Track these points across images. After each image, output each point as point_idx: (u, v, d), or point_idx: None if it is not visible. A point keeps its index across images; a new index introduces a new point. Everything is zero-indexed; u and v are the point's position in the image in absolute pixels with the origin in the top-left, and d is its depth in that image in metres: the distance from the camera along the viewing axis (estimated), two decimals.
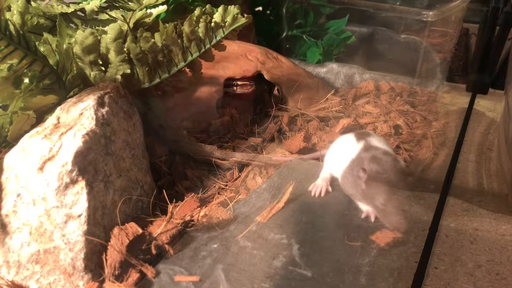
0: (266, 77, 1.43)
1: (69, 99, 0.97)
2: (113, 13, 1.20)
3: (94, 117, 0.89)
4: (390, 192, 0.86)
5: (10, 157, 0.87)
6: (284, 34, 1.78)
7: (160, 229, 0.89)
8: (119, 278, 0.80)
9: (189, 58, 1.14)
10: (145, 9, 1.17)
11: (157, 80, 1.12)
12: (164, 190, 1.00)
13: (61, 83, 1.03)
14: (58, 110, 0.94)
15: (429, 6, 1.62)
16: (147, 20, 1.18)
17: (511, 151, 1.11)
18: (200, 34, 1.12)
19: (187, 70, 1.17)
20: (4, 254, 0.83)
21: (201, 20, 1.11)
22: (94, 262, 0.82)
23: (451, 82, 1.77)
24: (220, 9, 1.11)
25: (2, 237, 0.83)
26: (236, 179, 1.14)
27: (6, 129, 1.02)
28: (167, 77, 1.13)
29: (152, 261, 0.84)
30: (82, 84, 1.06)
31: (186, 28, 1.10)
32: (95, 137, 0.87)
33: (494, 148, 1.33)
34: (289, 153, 1.22)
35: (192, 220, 0.94)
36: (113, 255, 0.81)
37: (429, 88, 1.61)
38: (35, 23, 1.09)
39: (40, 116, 0.99)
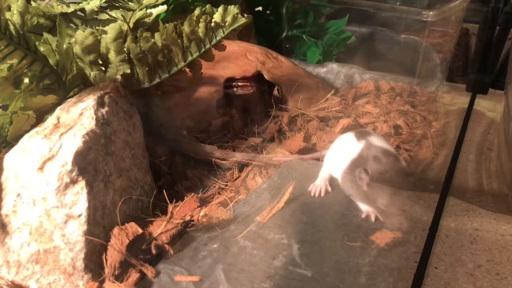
0: (266, 77, 1.43)
1: (69, 99, 0.97)
2: (113, 13, 1.20)
3: (94, 117, 0.89)
4: (391, 192, 0.86)
5: (10, 157, 0.87)
6: (284, 34, 1.77)
7: (160, 229, 0.89)
8: (119, 278, 0.80)
9: (189, 58, 1.14)
10: (145, 9, 1.17)
11: (157, 80, 1.12)
12: (164, 190, 1.00)
13: (61, 83, 1.03)
14: (58, 110, 0.94)
15: (429, 6, 1.62)
16: (147, 20, 1.18)
17: (511, 151, 1.11)
18: (200, 34, 1.12)
19: (187, 70, 1.17)
20: (4, 254, 0.83)
21: (201, 20, 1.11)
22: (94, 262, 0.82)
23: (451, 82, 1.77)
24: (220, 9, 1.11)
25: (2, 237, 0.83)
26: (236, 179, 1.14)
27: (6, 129, 1.02)
28: (167, 77, 1.13)
29: (152, 261, 0.84)
30: (82, 84, 1.06)
31: (186, 28, 1.10)
32: (95, 137, 0.87)
33: (494, 148, 1.33)
34: (289, 153, 1.22)
35: (192, 220, 0.94)
36: (113, 255, 0.81)
37: (429, 88, 1.61)
38: (35, 23, 1.09)
39: (40, 116, 0.99)
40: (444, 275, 0.84)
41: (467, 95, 1.69)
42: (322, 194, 1.01)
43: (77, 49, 1.01)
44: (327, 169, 1.04)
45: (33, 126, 0.96)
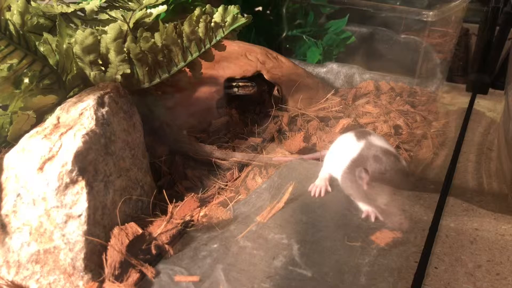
0: (266, 77, 1.42)
1: (69, 99, 0.97)
2: (113, 13, 1.20)
3: (94, 117, 0.89)
4: (391, 192, 0.86)
5: (10, 157, 0.87)
6: (284, 34, 1.78)
7: (160, 229, 0.89)
8: (119, 278, 0.80)
9: (189, 58, 1.14)
10: (145, 9, 1.17)
11: (157, 80, 1.12)
12: (164, 190, 1.00)
13: (61, 83, 1.03)
14: (58, 110, 0.94)
15: (429, 6, 1.63)
16: (147, 20, 1.18)
17: (511, 151, 1.11)
18: (200, 34, 1.12)
19: (187, 70, 1.17)
20: (4, 254, 0.83)
21: (201, 20, 1.11)
22: (94, 262, 0.82)
23: (451, 82, 1.77)
24: (220, 9, 1.11)
25: (2, 237, 0.83)
26: (236, 179, 1.14)
27: (6, 129, 1.02)
28: (167, 77, 1.13)
29: (152, 261, 0.84)
30: (82, 84, 1.06)
31: (186, 28, 1.10)
32: (95, 137, 0.87)
33: (494, 148, 1.33)
34: (289, 153, 1.22)
35: (192, 220, 0.94)
36: (113, 255, 0.81)
37: (429, 88, 1.61)
38: (35, 23, 1.09)
39: (40, 116, 0.99)
40: (444, 275, 0.84)
41: (467, 95, 1.69)
42: (322, 194, 1.01)
43: (77, 49, 1.01)
44: (327, 169, 1.04)
45: (33, 126, 0.96)
